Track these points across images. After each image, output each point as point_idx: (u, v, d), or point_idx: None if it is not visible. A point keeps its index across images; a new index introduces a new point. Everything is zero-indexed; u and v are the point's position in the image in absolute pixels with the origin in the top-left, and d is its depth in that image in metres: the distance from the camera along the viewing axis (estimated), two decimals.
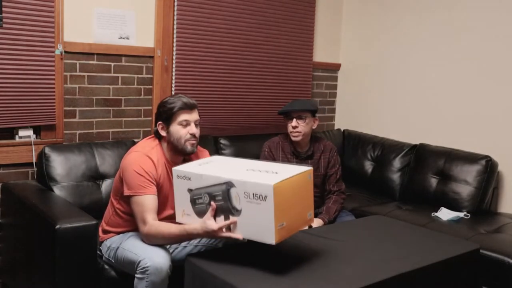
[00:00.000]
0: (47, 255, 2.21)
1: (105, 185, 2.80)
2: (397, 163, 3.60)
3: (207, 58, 3.39)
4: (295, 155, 3.00)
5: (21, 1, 2.67)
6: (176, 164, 2.28)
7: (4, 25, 2.62)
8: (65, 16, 2.86)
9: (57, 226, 2.12)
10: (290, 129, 2.94)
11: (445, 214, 3.03)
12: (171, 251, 2.22)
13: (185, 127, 2.25)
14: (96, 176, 2.81)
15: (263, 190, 1.79)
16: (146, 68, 3.21)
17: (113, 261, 2.28)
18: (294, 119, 2.91)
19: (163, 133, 2.29)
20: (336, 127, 4.30)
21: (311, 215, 2.02)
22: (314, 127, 2.98)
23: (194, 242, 2.26)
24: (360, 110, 4.16)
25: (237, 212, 1.89)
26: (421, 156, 3.47)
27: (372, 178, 3.73)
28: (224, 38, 3.45)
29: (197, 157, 2.35)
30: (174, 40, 3.25)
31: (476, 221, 2.97)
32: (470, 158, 3.23)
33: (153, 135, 2.37)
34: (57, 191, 2.66)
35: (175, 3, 3.22)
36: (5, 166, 2.79)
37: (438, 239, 2.42)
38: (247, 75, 3.61)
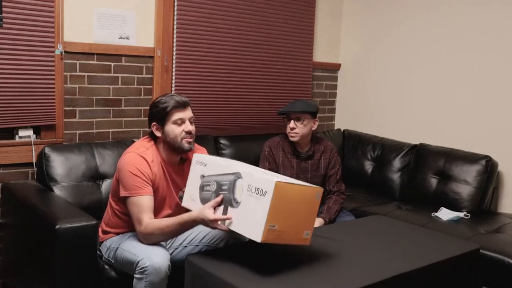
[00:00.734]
0: (47, 255, 2.21)
1: (105, 185, 2.80)
2: (397, 163, 3.60)
3: (207, 58, 3.39)
4: (296, 155, 3.00)
5: (21, 1, 2.67)
6: (173, 163, 2.28)
7: (4, 25, 2.62)
8: (65, 16, 2.86)
9: (57, 226, 2.12)
10: (288, 129, 2.95)
11: (445, 214, 3.03)
12: (171, 251, 2.22)
13: (180, 126, 2.24)
14: (96, 176, 2.80)
15: (265, 185, 1.80)
16: (146, 68, 3.21)
17: (112, 261, 2.27)
18: (292, 121, 2.92)
19: (158, 134, 2.27)
20: (336, 127, 4.30)
21: (308, 235, 1.95)
22: (314, 128, 2.99)
23: (195, 242, 2.26)
24: (360, 110, 4.16)
25: (236, 204, 1.90)
26: (421, 156, 3.47)
27: (372, 178, 3.73)
28: (224, 38, 3.45)
29: None
30: (174, 40, 3.25)
31: (476, 221, 2.97)
32: (470, 158, 3.23)
33: (148, 136, 2.35)
34: (57, 191, 2.66)
35: (175, 3, 3.22)
36: (5, 166, 2.79)
37: (438, 239, 2.42)
38: (247, 75, 3.61)
